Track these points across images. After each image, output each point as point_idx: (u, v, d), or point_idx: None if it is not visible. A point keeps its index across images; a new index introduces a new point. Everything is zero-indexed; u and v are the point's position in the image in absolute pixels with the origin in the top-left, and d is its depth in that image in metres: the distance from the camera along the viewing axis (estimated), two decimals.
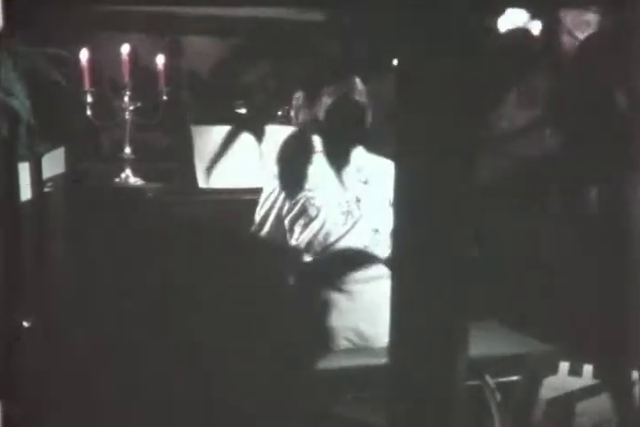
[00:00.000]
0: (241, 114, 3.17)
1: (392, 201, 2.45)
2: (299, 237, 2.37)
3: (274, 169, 2.41)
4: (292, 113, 2.47)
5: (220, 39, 3.57)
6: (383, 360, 2.29)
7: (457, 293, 1.46)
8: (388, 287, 2.40)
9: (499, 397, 2.21)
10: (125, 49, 2.91)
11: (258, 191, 2.94)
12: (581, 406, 1.70)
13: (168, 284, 2.74)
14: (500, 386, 2.25)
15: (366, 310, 2.36)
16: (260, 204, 2.44)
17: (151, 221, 2.85)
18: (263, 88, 3.48)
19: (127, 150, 2.97)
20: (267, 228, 2.41)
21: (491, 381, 2.23)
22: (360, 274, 2.37)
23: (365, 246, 2.39)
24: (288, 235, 2.39)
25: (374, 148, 2.62)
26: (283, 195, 2.37)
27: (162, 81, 3.01)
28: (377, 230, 2.40)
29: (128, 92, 2.93)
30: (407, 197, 1.21)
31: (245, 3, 2.74)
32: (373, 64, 3.25)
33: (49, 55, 2.50)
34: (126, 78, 2.92)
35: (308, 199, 2.34)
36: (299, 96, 2.43)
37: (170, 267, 2.77)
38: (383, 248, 2.42)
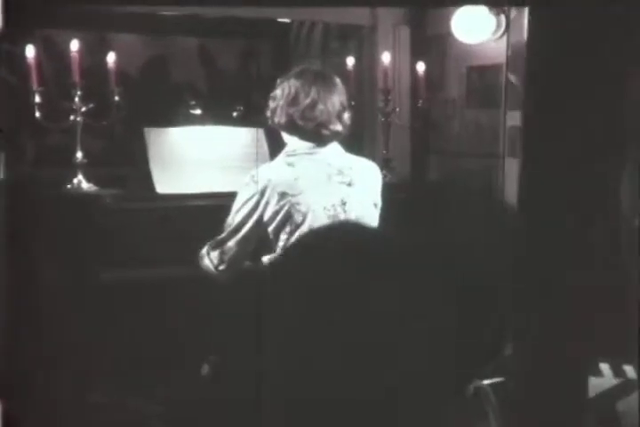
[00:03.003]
0: (195, 115, 3.03)
1: (376, 203, 2.40)
2: (285, 245, 2.26)
3: (255, 173, 2.29)
4: (268, 114, 2.34)
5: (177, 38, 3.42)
6: None
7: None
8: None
9: (493, 399, 2.17)
10: (75, 46, 2.71)
11: (222, 196, 2.83)
12: (622, 405, 1.68)
13: (130, 299, 2.58)
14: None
15: None
16: (235, 209, 2.30)
17: (108, 229, 2.67)
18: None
19: (79, 154, 2.77)
20: (242, 233, 2.29)
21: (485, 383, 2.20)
22: None
23: None
24: (273, 242, 2.28)
25: (353, 148, 2.55)
26: (264, 200, 2.25)
27: (113, 81, 2.83)
28: None
29: (79, 92, 2.73)
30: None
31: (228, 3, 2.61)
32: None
33: None
34: (76, 77, 2.72)
35: (292, 205, 2.23)
36: (275, 96, 2.31)
37: (132, 280, 2.62)
38: None
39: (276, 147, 3.01)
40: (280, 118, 2.30)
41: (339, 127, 2.30)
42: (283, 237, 2.25)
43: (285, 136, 2.36)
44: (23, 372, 2.16)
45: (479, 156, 3.40)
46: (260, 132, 3.04)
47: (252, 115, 3.17)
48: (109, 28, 3.09)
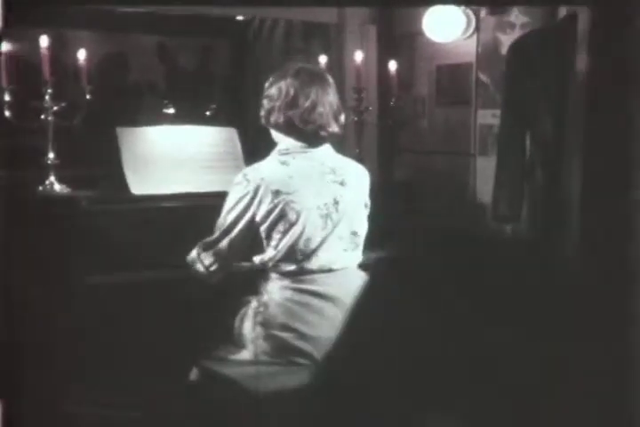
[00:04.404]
0: (168, 114, 2.96)
1: (367, 203, 2.37)
2: (278, 244, 2.21)
3: (248, 171, 2.23)
4: (263, 114, 2.28)
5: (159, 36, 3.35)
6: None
7: None
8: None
9: None
10: (44, 42, 2.61)
11: (199, 196, 2.77)
12: None
13: (111, 302, 2.50)
14: None
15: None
16: (227, 208, 2.24)
17: (84, 232, 2.58)
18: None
19: (51, 155, 2.67)
20: (234, 233, 2.23)
21: None
22: (341, 279, 2.27)
23: (345, 250, 2.27)
24: (265, 242, 2.23)
25: (344, 149, 2.53)
26: (258, 199, 2.20)
27: (84, 79, 2.74)
28: (355, 233, 2.30)
29: (50, 91, 2.63)
30: None
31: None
32: None
33: None
34: (47, 75, 2.62)
35: (287, 203, 2.18)
36: (271, 96, 2.25)
37: (111, 284, 2.54)
38: (360, 251, 2.33)
39: (249, 146, 2.97)
40: (277, 119, 2.23)
41: (336, 129, 2.26)
42: (276, 236, 2.20)
43: (277, 136, 2.30)
44: (23, 372, 2.10)
45: (451, 154, 3.42)
46: (234, 132, 2.99)
47: (224, 114, 3.11)
48: (85, 26, 2.99)
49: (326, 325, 2.21)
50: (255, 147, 2.92)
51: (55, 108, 2.64)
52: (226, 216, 2.24)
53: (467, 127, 3.35)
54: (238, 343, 2.27)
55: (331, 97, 2.25)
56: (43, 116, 2.64)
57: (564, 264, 2.74)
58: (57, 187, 2.68)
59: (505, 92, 2.95)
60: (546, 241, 2.86)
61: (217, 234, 2.25)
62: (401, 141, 3.52)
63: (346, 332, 2.19)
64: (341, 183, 2.27)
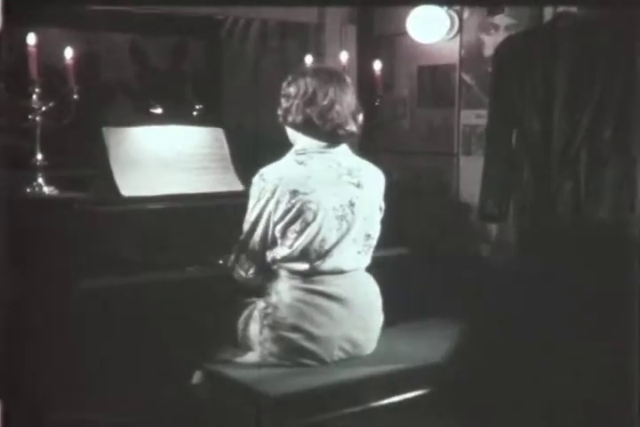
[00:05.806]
0: (156, 114, 2.91)
1: (381, 206, 2.37)
2: (293, 244, 2.20)
3: (265, 172, 2.22)
4: (280, 112, 2.26)
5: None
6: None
7: None
8: (375, 292, 2.34)
9: None
10: (32, 40, 2.54)
11: (191, 197, 2.74)
12: None
13: (107, 306, 2.46)
14: None
15: (359, 317, 2.25)
16: (249, 210, 2.24)
17: (73, 235, 2.52)
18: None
19: (39, 156, 2.61)
20: (257, 233, 2.23)
21: None
22: (350, 280, 2.26)
23: (358, 252, 2.27)
24: (279, 241, 2.22)
25: (361, 150, 2.52)
26: (275, 199, 2.18)
27: (71, 78, 2.68)
28: (369, 236, 2.29)
29: (37, 90, 2.57)
30: None
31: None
32: None
33: None
34: (34, 74, 2.56)
35: (304, 203, 2.17)
36: (288, 94, 2.24)
37: (102, 289, 2.49)
38: (371, 254, 2.33)
39: (235, 147, 2.94)
40: (296, 117, 2.22)
41: (354, 128, 2.26)
42: (291, 235, 2.19)
43: (293, 135, 2.29)
44: (22, 372, 2.06)
45: (435, 154, 3.44)
46: (220, 132, 2.96)
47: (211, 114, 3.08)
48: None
49: (335, 326, 2.21)
50: (244, 148, 2.91)
51: (43, 108, 2.59)
52: (248, 218, 2.25)
53: (450, 128, 3.38)
54: (243, 346, 2.25)
55: (349, 97, 2.25)
56: (30, 117, 2.59)
57: (553, 263, 2.78)
58: (45, 189, 2.62)
59: (492, 91, 2.97)
60: (534, 240, 2.90)
61: (242, 237, 2.26)
62: (384, 142, 3.53)
63: None
64: (357, 185, 2.26)
